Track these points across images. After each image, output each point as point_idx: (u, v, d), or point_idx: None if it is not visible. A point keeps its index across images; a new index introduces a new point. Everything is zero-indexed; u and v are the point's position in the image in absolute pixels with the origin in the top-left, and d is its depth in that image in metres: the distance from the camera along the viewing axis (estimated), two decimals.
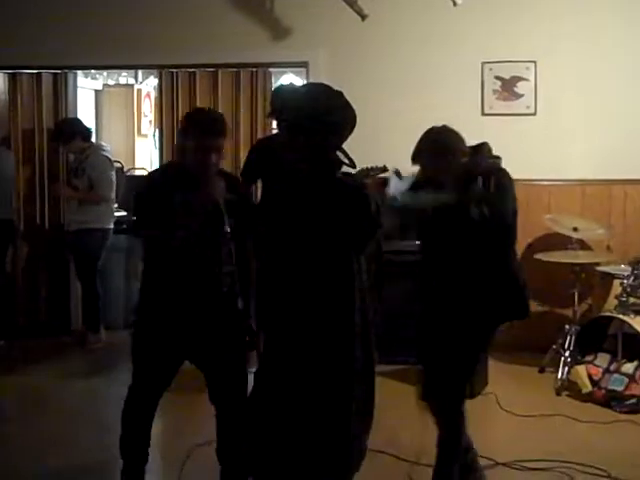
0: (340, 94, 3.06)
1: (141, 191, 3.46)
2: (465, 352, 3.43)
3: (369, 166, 4.96)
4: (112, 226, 6.41)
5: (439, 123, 6.07)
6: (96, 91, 8.53)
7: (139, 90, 8.79)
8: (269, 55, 6.44)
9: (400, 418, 4.52)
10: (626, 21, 6.02)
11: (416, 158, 3.52)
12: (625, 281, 5.24)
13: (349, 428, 2.92)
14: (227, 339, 3.43)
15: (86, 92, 8.17)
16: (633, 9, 6.01)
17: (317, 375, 2.93)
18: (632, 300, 5.19)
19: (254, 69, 6.54)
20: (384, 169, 4.84)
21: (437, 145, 3.52)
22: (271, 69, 6.65)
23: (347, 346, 2.90)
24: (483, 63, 6.19)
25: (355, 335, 2.92)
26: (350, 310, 2.91)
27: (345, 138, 3.02)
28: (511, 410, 4.85)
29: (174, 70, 6.60)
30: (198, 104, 6.55)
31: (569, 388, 5.20)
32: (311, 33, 6.30)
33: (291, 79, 7.51)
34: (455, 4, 5.26)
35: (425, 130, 3.59)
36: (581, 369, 5.19)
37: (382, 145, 6.21)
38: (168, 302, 3.37)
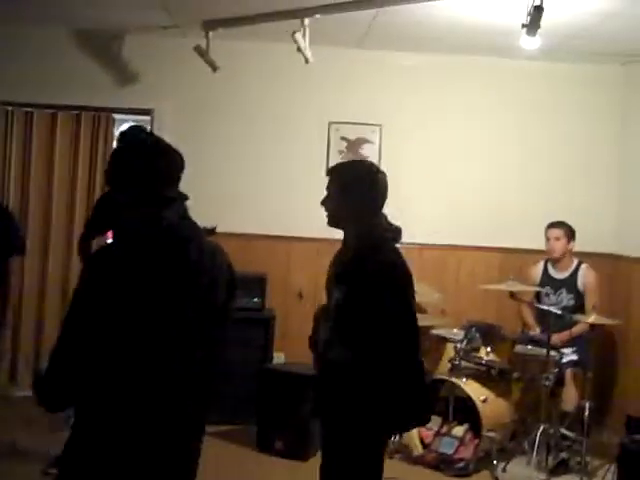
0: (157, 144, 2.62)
1: None
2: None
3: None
4: None
5: (282, 180, 6.21)
6: None
7: None
8: (113, 100, 6.24)
9: None
10: (466, 95, 6.27)
11: None
12: (458, 345, 5.34)
13: None
14: None
15: None
16: (474, 84, 6.26)
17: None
18: (464, 364, 5.30)
19: (96, 113, 6.32)
20: (213, 231, 4.69)
21: None
22: (115, 115, 6.44)
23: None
24: (330, 123, 6.26)
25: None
26: None
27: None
28: None
29: (9, 108, 6.27)
30: (35, 146, 6.27)
31: (401, 451, 5.21)
32: (158, 80, 6.17)
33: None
34: (307, 62, 5.28)
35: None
36: (413, 432, 5.20)
37: (222, 200, 6.14)
38: None
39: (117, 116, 6.48)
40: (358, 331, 2.98)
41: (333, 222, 3.15)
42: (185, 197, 2.55)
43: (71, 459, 2.42)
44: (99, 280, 2.31)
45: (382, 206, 3.13)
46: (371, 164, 3.31)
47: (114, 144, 6.01)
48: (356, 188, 3.07)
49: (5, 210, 5.55)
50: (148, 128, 6.43)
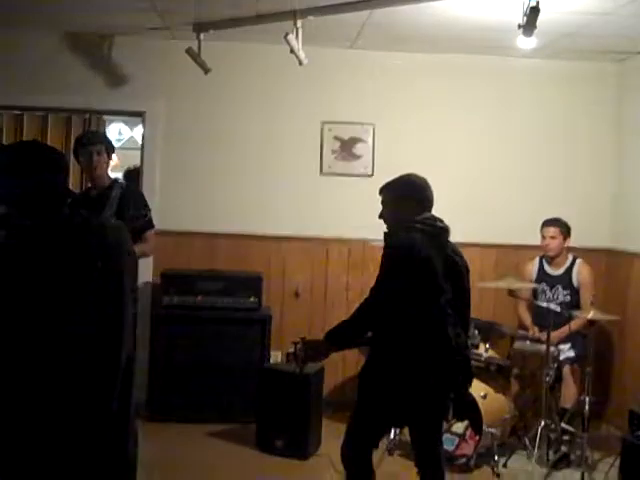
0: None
1: None
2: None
3: None
4: None
5: (277, 180, 6.19)
6: None
7: None
8: (104, 102, 6.19)
9: None
10: (460, 93, 6.27)
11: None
12: None
13: None
14: None
15: None
16: (468, 82, 6.27)
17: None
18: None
19: (87, 115, 6.29)
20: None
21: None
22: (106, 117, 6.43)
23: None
24: (323, 123, 6.25)
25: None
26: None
27: None
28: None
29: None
30: None
31: (401, 447, 5.18)
32: (150, 83, 6.12)
33: (120, 128, 7.30)
34: (301, 63, 5.25)
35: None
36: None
37: (216, 201, 6.13)
38: None
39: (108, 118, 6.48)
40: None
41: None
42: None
43: None
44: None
45: (426, 207, 3.75)
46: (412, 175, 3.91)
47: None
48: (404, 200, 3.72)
49: None
50: (140, 130, 6.42)
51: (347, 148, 6.28)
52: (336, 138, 6.29)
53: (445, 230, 3.71)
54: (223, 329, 5.65)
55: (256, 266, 6.01)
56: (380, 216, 3.76)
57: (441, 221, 3.72)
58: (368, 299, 3.50)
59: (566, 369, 5.41)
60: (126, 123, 7.26)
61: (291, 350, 4.91)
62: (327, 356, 3.60)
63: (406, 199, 3.70)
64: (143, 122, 6.25)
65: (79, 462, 2.54)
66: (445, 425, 5.14)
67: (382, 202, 3.77)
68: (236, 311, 5.70)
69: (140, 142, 6.38)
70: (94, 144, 4.92)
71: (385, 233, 3.71)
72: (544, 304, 5.57)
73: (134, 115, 6.39)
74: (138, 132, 7.51)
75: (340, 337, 3.53)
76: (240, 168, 6.23)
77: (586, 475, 4.83)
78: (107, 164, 5.01)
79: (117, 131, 7.30)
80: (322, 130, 6.26)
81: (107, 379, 2.56)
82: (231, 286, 5.75)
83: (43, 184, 2.63)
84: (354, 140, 6.29)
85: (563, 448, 5.11)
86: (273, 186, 6.21)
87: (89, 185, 5.17)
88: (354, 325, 3.51)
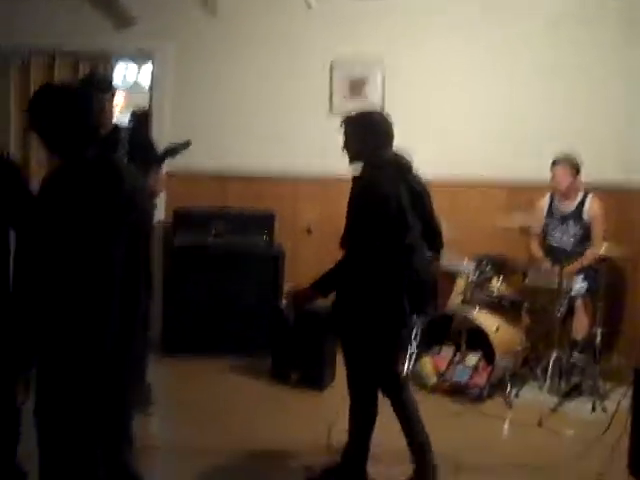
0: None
1: None
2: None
3: (172, 143, 4.83)
4: None
5: (287, 119, 6.19)
6: None
7: None
8: (112, 44, 6.16)
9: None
10: (467, 23, 6.19)
11: None
12: (470, 276, 5.37)
13: None
14: None
15: None
16: (473, 9, 6.19)
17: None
18: (476, 295, 5.35)
19: (94, 58, 6.24)
20: (188, 144, 4.77)
21: None
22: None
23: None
24: (333, 62, 6.22)
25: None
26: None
27: None
28: None
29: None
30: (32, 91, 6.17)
31: (415, 380, 5.25)
32: (159, 23, 6.09)
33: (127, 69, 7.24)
34: (310, 7, 5.22)
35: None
36: (427, 361, 5.26)
37: (228, 142, 6.14)
38: None
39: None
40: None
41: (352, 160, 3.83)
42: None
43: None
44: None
45: (390, 143, 3.79)
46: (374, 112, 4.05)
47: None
48: (364, 132, 3.77)
49: None
50: (148, 71, 6.39)
51: (357, 87, 6.26)
52: (345, 77, 6.27)
53: (410, 166, 3.84)
54: (236, 267, 5.69)
55: (268, 205, 6.03)
56: (344, 148, 3.82)
57: (405, 157, 3.83)
58: (352, 250, 3.62)
59: (578, 302, 5.44)
60: (133, 63, 7.22)
61: (284, 302, 5.20)
62: (313, 302, 3.79)
63: (374, 133, 3.77)
64: (152, 62, 6.23)
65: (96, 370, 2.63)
66: (458, 357, 5.26)
67: (346, 134, 3.81)
68: (249, 249, 5.74)
69: (147, 84, 6.34)
70: (104, 91, 4.86)
71: (357, 176, 3.74)
72: (555, 244, 5.64)
73: (143, 56, 6.37)
74: (145, 73, 7.47)
75: (325, 286, 3.71)
76: (250, 109, 6.22)
77: (597, 403, 4.90)
78: (112, 111, 4.95)
79: (123, 72, 7.25)
80: (331, 69, 6.24)
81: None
82: (243, 224, 5.80)
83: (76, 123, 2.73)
84: (363, 79, 6.27)
85: (574, 379, 5.18)
86: (283, 126, 6.21)
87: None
88: (339, 275, 3.69)
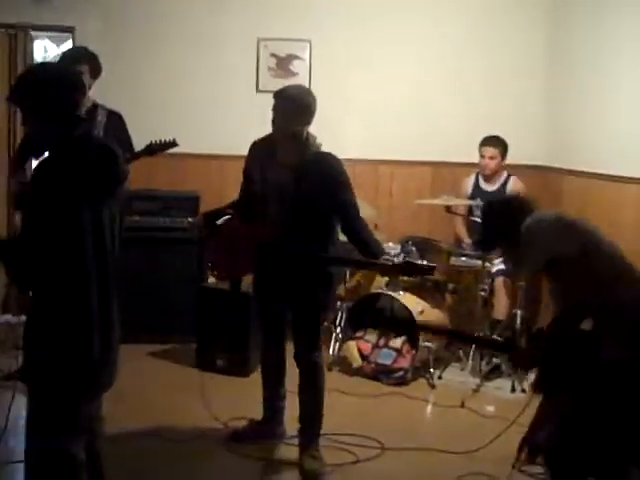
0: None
1: None
2: None
3: (156, 140, 4.69)
4: None
5: (214, 98, 6.10)
6: None
7: None
8: (30, 17, 5.95)
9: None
10: (393, 8, 6.19)
11: None
12: (395, 259, 5.39)
13: None
14: None
15: None
16: None
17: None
18: (400, 277, 5.37)
19: (12, 31, 6.04)
20: (174, 143, 4.65)
21: None
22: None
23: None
24: (259, 40, 6.14)
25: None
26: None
27: None
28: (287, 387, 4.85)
29: None
30: None
31: (340, 363, 5.29)
32: None
33: (46, 45, 7.03)
34: None
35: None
36: (352, 345, 5.30)
37: (153, 120, 6.01)
38: None
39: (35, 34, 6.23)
40: None
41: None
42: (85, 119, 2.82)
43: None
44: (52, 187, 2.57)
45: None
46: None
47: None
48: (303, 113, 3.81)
49: None
50: (68, 46, 6.20)
51: (284, 65, 6.20)
52: (272, 55, 6.20)
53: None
54: (160, 249, 5.62)
55: (194, 186, 5.95)
56: (273, 123, 3.82)
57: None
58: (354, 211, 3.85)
59: (498, 281, 5.53)
60: (52, 40, 6.99)
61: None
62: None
63: (305, 112, 3.80)
64: (73, 39, 6.06)
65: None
66: (383, 340, 5.32)
67: (277, 109, 3.81)
68: (173, 231, 5.68)
69: None
70: (76, 64, 4.68)
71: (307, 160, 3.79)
72: (479, 220, 5.69)
73: (63, 31, 6.18)
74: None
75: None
76: (175, 86, 6.12)
77: (516, 383, 5.02)
78: (89, 87, 4.77)
79: (42, 48, 7.02)
80: (258, 47, 6.16)
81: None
82: (168, 206, 5.73)
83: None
84: (291, 57, 6.21)
85: (495, 360, 5.28)
86: (210, 105, 6.14)
87: None
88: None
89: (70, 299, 2.61)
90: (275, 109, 3.83)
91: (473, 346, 5.29)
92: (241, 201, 4.09)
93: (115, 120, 4.89)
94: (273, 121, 3.84)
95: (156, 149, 4.64)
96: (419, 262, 4.41)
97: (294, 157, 3.78)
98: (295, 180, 3.74)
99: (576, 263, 3.09)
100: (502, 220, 3.31)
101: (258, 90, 6.16)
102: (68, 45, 6.26)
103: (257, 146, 4.00)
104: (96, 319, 2.64)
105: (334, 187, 3.80)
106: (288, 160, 3.78)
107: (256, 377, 4.93)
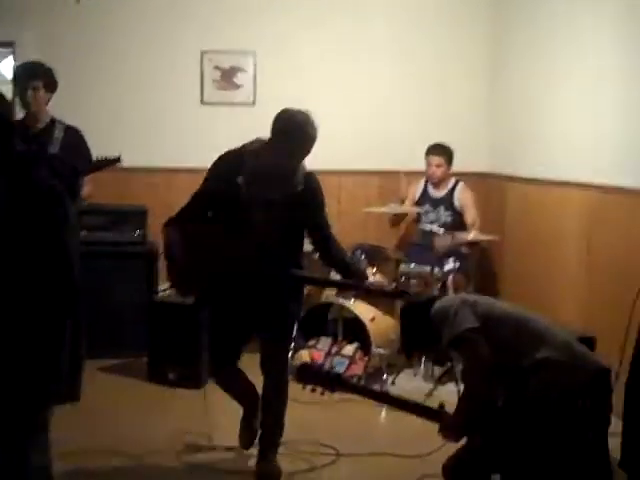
0: None
1: None
2: None
3: (100, 156, 4.63)
4: None
5: (158, 112, 6.07)
6: None
7: None
8: None
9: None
10: (347, 16, 6.27)
11: None
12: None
13: None
14: None
15: None
16: (346, 6, 6.25)
17: None
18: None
19: None
20: (118, 160, 4.58)
21: None
22: None
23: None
24: (203, 52, 6.14)
25: None
26: None
27: None
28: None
29: None
30: None
31: (293, 372, 5.26)
32: (20, 11, 5.85)
33: None
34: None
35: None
36: (304, 354, 5.30)
37: (97, 133, 5.93)
38: None
39: None
40: None
41: None
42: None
43: None
44: None
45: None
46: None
47: None
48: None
49: None
50: (9, 63, 6.13)
51: (228, 77, 6.22)
52: (216, 67, 6.21)
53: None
54: (109, 264, 5.55)
55: (141, 199, 5.90)
56: (278, 149, 3.84)
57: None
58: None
59: (450, 280, 5.56)
60: None
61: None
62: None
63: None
64: (13, 52, 5.99)
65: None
66: (335, 348, 5.32)
67: (292, 144, 3.90)
68: (122, 245, 5.62)
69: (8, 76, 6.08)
70: (30, 79, 4.60)
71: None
72: (427, 227, 5.77)
73: (3, 45, 6.12)
74: (6, 65, 7.17)
75: None
76: (119, 100, 6.10)
77: None
78: (46, 102, 4.70)
79: None
80: (202, 60, 6.17)
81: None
82: (115, 220, 5.66)
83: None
84: (235, 69, 6.22)
85: (448, 363, 5.32)
86: (155, 118, 6.13)
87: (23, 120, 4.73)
88: None
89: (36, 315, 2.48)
90: (288, 142, 3.84)
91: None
92: (191, 211, 4.01)
93: (72, 135, 4.80)
94: (277, 147, 3.81)
95: (100, 166, 4.59)
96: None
97: (290, 188, 3.75)
98: (284, 197, 3.71)
99: (479, 336, 3.12)
100: (417, 323, 3.36)
101: (203, 102, 6.16)
102: (9, 60, 6.19)
103: (239, 158, 3.86)
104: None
105: (317, 206, 3.86)
106: (285, 190, 3.74)
107: (208, 389, 4.94)
